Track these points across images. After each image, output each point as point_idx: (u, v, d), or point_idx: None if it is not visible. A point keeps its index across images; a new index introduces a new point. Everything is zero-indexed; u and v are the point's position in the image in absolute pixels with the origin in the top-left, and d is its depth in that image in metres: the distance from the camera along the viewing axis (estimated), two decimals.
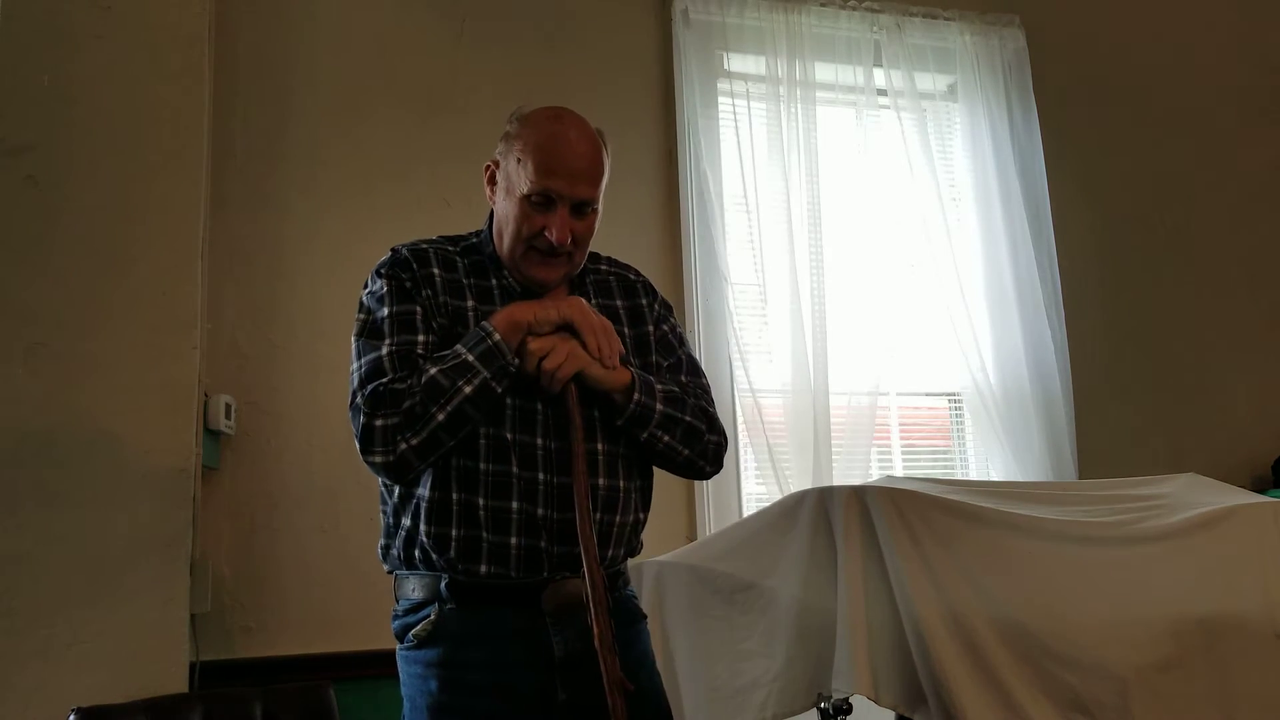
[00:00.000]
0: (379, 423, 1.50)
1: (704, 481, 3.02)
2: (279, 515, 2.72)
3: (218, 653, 2.56)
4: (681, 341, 1.79)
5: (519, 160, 1.61)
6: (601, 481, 1.58)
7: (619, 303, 1.74)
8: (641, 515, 1.69)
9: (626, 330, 1.70)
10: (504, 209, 1.65)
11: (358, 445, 1.53)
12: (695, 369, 1.77)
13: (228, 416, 2.66)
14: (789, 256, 3.21)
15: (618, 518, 1.61)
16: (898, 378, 3.35)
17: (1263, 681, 2.00)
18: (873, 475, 3.20)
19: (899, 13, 3.49)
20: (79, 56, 2.54)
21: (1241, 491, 2.40)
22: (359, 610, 2.70)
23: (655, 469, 1.72)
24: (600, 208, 1.66)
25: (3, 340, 2.37)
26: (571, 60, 3.23)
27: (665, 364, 1.72)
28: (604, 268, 1.79)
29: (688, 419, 1.65)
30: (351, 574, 2.72)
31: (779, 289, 3.19)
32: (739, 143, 3.27)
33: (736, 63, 3.36)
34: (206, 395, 2.58)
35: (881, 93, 3.46)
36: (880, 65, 3.46)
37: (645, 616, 1.72)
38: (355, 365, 1.58)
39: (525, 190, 1.59)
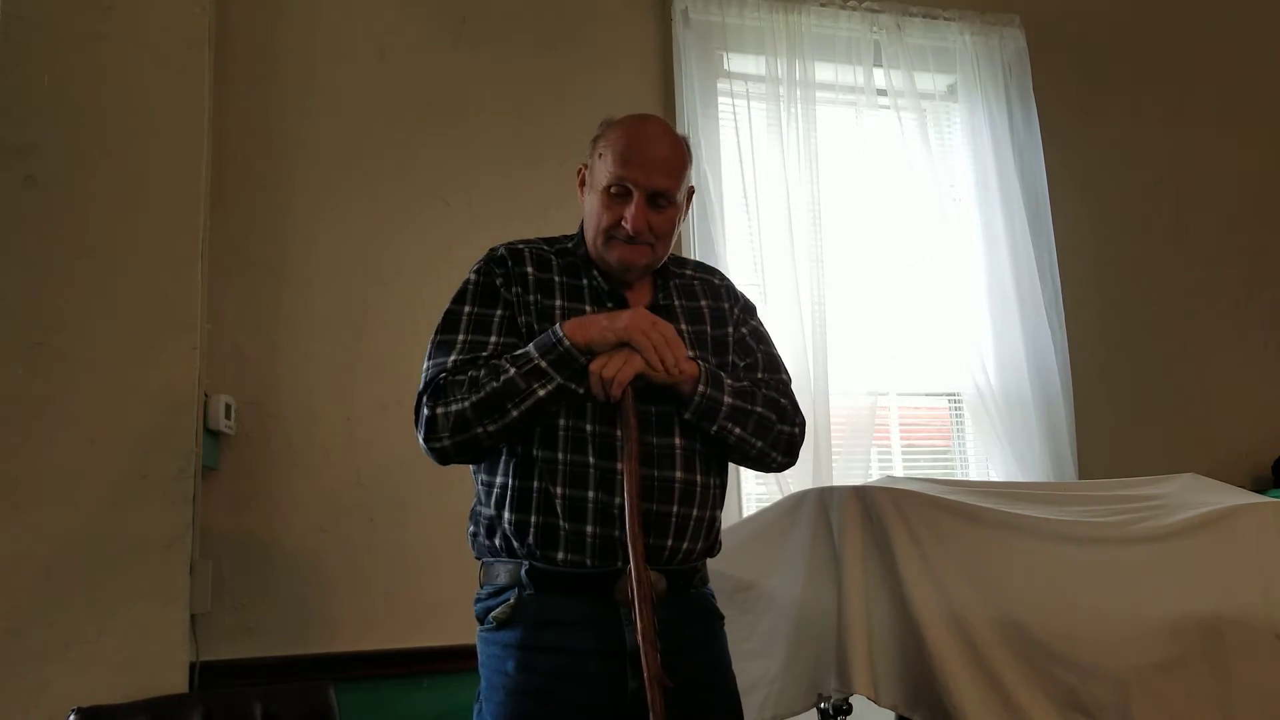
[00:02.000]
0: (441, 410, 1.57)
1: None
2: (279, 515, 2.72)
3: (218, 653, 2.56)
4: (762, 340, 1.83)
5: (601, 156, 1.69)
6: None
7: (703, 303, 1.80)
8: (716, 512, 1.72)
9: (709, 330, 1.76)
10: (589, 204, 1.72)
11: (420, 434, 1.60)
12: (774, 365, 1.81)
13: (228, 416, 2.66)
14: (789, 256, 3.21)
15: (694, 511, 1.64)
16: (898, 378, 3.35)
17: (1263, 681, 2.00)
18: (873, 475, 3.20)
19: (899, 13, 3.49)
20: (79, 56, 2.54)
21: (1241, 491, 2.41)
22: (359, 610, 2.70)
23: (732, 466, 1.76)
24: (682, 204, 1.72)
25: (3, 340, 2.37)
26: (571, 60, 3.23)
27: (743, 364, 1.77)
28: (689, 272, 1.85)
29: (758, 410, 1.68)
30: (351, 574, 2.72)
31: (779, 289, 3.19)
32: (739, 143, 3.27)
33: (736, 63, 3.36)
34: (206, 395, 2.58)
35: (881, 93, 3.46)
36: (880, 65, 3.46)
37: (722, 616, 1.75)
38: (426, 365, 1.66)
39: (605, 182, 1.67)
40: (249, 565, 2.68)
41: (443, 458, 1.61)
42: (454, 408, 1.56)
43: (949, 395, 3.47)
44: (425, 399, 1.60)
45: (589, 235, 1.72)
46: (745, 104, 3.31)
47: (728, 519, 2.94)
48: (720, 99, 3.31)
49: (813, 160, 3.31)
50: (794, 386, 3.10)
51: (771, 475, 3.05)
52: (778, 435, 1.71)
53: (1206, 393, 3.65)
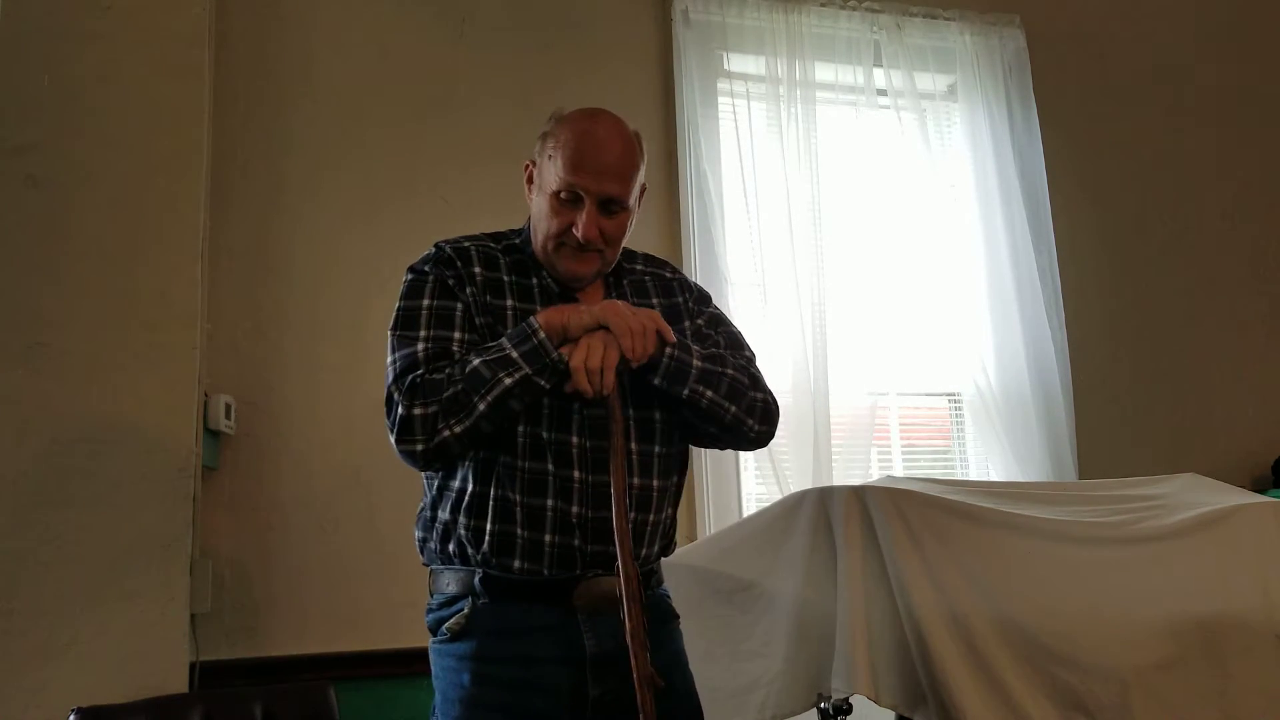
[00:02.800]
0: (418, 411, 1.50)
1: (703, 478, 3.01)
2: (279, 515, 2.72)
3: (218, 653, 2.56)
4: (719, 323, 1.79)
5: (550, 157, 1.62)
6: (635, 481, 1.59)
7: (655, 301, 1.75)
8: (673, 513, 1.70)
9: None
10: (537, 206, 1.67)
11: (393, 435, 1.53)
12: (736, 343, 1.76)
13: (228, 416, 2.66)
14: (789, 256, 3.21)
15: (651, 516, 1.62)
16: (898, 378, 3.35)
17: (1263, 681, 2.00)
18: (873, 475, 3.20)
19: (899, 13, 3.49)
20: (79, 56, 2.54)
21: (1241, 491, 2.40)
22: (359, 610, 2.70)
23: (692, 461, 1.72)
24: (634, 207, 1.67)
25: (3, 340, 2.37)
26: (571, 60, 3.23)
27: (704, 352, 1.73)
28: (639, 267, 1.80)
29: (730, 373, 1.64)
30: (352, 574, 2.72)
31: (779, 289, 3.19)
32: (739, 143, 3.27)
33: (736, 63, 3.36)
34: (206, 395, 2.58)
35: (881, 93, 3.46)
36: (880, 65, 3.46)
37: (678, 616, 1.73)
38: (390, 359, 1.59)
39: (554, 187, 1.61)
40: (249, 565, 2.68)
41: (415, 462, 1.54)
42: (431, 409, 1.50)
43: (949, 395, 3.47)
44: (399, 396, 1.52)
45: (537, 239, 1.66)
46: (745, 104, 3.31)
47: (728, 519, 2.96)
48: (720, 99, 3.31)
49: (813, 160, 3.31)
50: (794, 387, 3.14)
51: (771, 475, 3.05)
52: (752, 401, 1.65)
53: (1206, 393, 3.65)
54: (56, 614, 2.28)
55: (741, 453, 3.13)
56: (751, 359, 1.76)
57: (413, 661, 2.67)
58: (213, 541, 2.63)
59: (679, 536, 2.92)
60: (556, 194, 1.60)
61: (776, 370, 3.17)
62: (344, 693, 2.30)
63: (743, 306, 3.19)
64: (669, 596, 1.73)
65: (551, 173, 1.61)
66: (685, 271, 3.15)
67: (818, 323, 3.19)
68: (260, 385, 2.78)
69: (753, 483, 3.15)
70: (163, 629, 2.34)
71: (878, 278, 3.33)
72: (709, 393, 1.61)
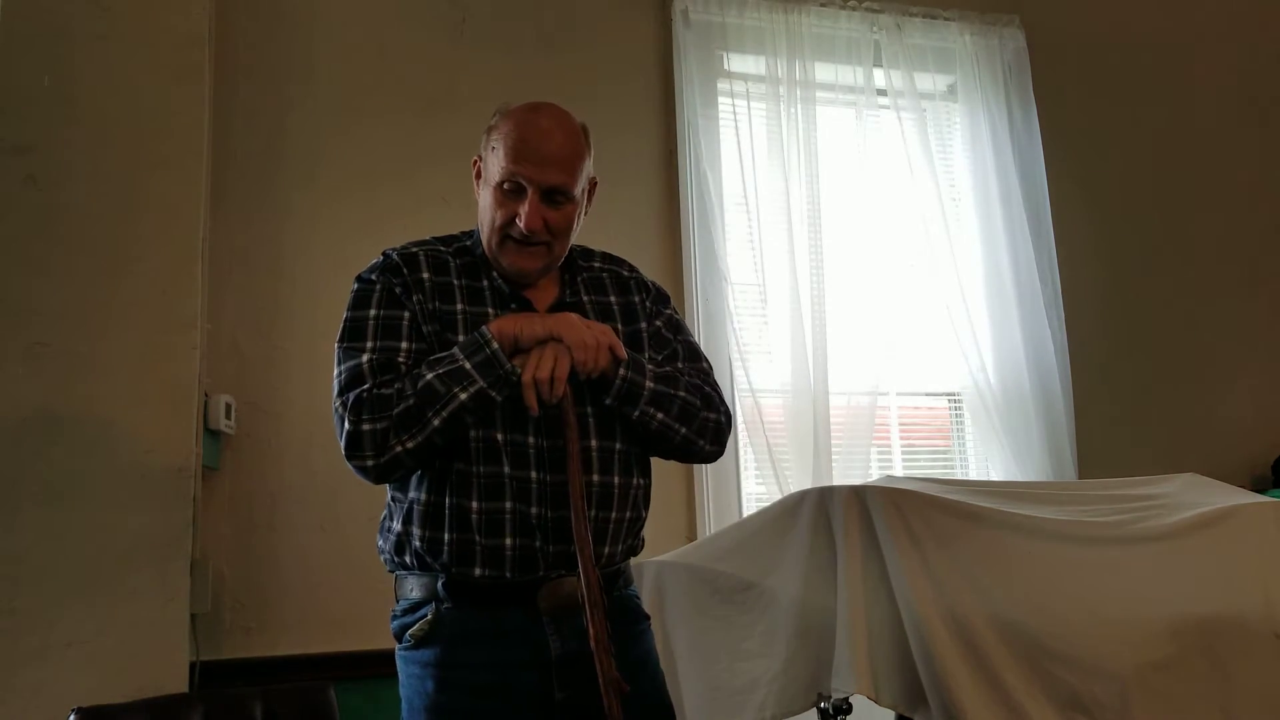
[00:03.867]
0: (365, 427, 1.50)
1: (702, 478, 3.01)
2: (279, 515, 2.73)
3: (218, 653, 2.56)
4: (679, 329, 1.77)
5: (494, 149, 1.60)
6: (595, 478, 1.57)
7: (612, 299, 1.72)
8: (640, 513, 1.67)
9: (620, 327, 1.69)
10: (483, 200, 1.64)
11: (343, 449, 1.52)
12: (694, 354, 1.75)
13: (228, 416, 2.66)
14: (789, 256, 3.21)
15: (613, 514, 1.60)
16: (898, 378, 3.35)
17: (1263, 681, 2.00)
18: (873, 475, 3.20)
19: (899, 13, 3.49)
20: (79, 56, 2.54)
21: (1241, 491, 2.40)
22: (359, 610, 2.70)
23: (656, 465, 1.71)
24: (581, 199, 1.64)
25: (3, 340, 2.37)
26: (571, 60, 3.23)
27: (660, 357, 1.71)
28: (597, 264, 1.77)
29: (681, 394, 1.63)
30: (351, 574, 2.72)
31: (779, 289, 3.19)
32: (739, 143, 3.27)
33: (736, 63, 3.36)
34: (206, 395, 2.58)
35: (881, 93, 3.46)
36: (880, 65, 3.46)
37: (648, 617, 1.71)
38: (336, 372, 1.58)
39: (497, 178, 1.58)
40: (249, 565, 2.68)
41: (367, 476, 1.53)
42: (380, 425, 1.48)
43: (949, 395, 3.47)
44: (347, 413, 1.50)
45: (484, 234, 1.64)
46: (745, 104, 3.31)
47: (728, 519, 2.96)
48: (720, 99, 3.31)
49: (813, 160, 3.32)
50: (794, 386, 3.14)
51: (771, 475, 3.06)
52: (703, 422, 1.64)
53: (1206, 393, 3.65)
54: (56, 614, 2.28)
55: (741, 453, 3.14)
56: (709, 372, 1.74)
57: None
58: (213, 541, 2.63)
59: (679, 536, 2.96)
60: (500, 185, 1.58)
61: (776, 370, 3.17)
62: (344, 693, 2.30)
63: (743, 306, 3.19)
64: (637, 597, 1.71)
65: (494, 164, 1.59)
66: (685, 272, 3.18)
67: (818, 323, 3.20)
68: (260, 385, 2.78)
69: (753, 483, 3.15)
70: (163, 629, 2.34)
71: (877, 277, 3.33)
72: (660, 415, 1.60)
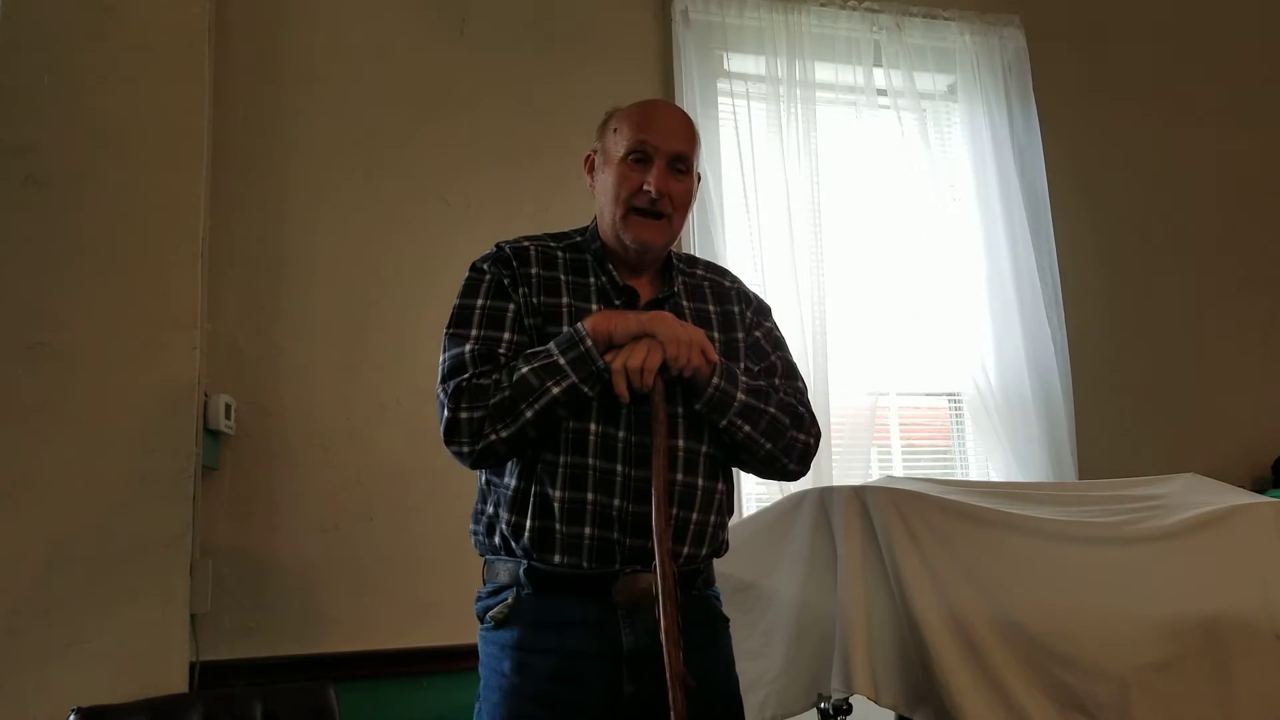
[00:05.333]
0: (464, 415, 1.55)
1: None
2: (279, 515, 2.72)
3: (218, 653, 2.56)
4: (778, 345, 1.80)
5: (615, 131, 1.70)
6: (679, 478, 1.61)
7: (711, 307, 1.76)
8: (723, 517, 1.70)
9: (717, 335, 1.72)
10: (604, 181, 1.71)
11: (442, 435, 1.58)
12: (791, 372, 1.78)
13: (228, 416, 2.65)
14: (789, 256, 3.21)
15: (694, 515, 1.63)
16: (898, 378, 3.35)
17: (1263, 681, 2.00)
18: (873, 475, 3.20)
19: (899, 13, 3.49)
20: (79, 56, 2.54)
21: (1241, 491, 2.40)
22: (359, 610, 2.70)
23: (740, 472, 1.74)
24: (696, 177, 1.73)
25: (3, 340, 2.37)
26: (571, 60, 3.23)
27: (757, 369, 1.74)
28: (699, 272, 1.82)
29: (771, 410, 1.66)
30: (351, 574, 2.72)
31: (779, 289, 3.19)
32: (739, 143, 3.27)
33: (736, 63, 3.36)
34: (206, 395, 2.58)
35: (881, 93, 3.46)
36: (880, 65, 3.46)
37: (727, 620, 1.73)
38: (441, 359, 1.64)
39: (623, 150, 1.66)
40: (249, 565, 2.68)
41: (464, 461, 1.59)
42: (477, 414, 1.54)
43: (949, 395, 3.47)
44: (447, 400, 1.57)
45: (607, 211, 1.69)
46: (745, 104, 3.31)
47: None
48: (720, 99, 3.31)
49: (813, 160, 3.31)
50: None
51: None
52: (790, 441, 1.68)
53: (1206, 393, 3.65)
54: (56, 614, 2.28)
55: None
56: (803, 391, 1.77)
57: (413, 661, 2.69)
58: (213, 541, 2.63)
59: None
60: (625, 157, 1.66)
61: None
62: (344, 693, 2.30)
63: None
64: (719, 598, 1.73)
65: (618, 142, 1.68)
66: None
67: (818, 323, 3.19)
68: (260, 385, 2.78)
69: (753, 483, 3.15)
70: (163, 629, 2.34)
71: (878, 277, 3.33)
72: (746, 427, 1.64)
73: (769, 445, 1.66)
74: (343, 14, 3.07)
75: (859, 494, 2.01)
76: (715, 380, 1.60)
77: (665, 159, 1.65)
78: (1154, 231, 3.73)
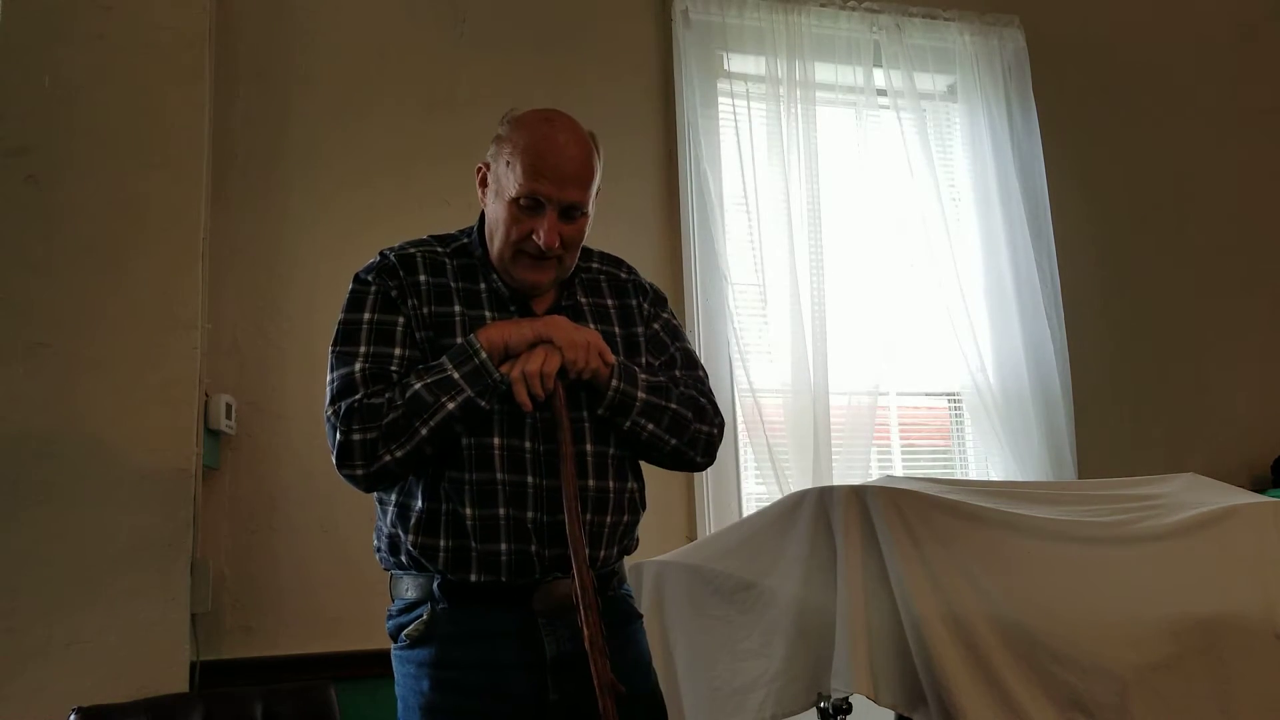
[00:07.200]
0: (356, 437, 1.50)
1: (702, 478, 3.01)
2: (279, 515, 2.73)
3: (218, 653, 2.56)
4: (676, 335, 1.77)
5: (508, 163, 1.59)
6: (590, 483, 1.58)
7: (609, 302, 1.72)
8: (635, 515, 1.67)
9: (617, 330, 1.69)
10: (494, 212, 1.63)
11: (334, 459, 1.52)
12: (691, 361, 1.75)
13: (228, 416, 2.66)
14: (789, 256, 3.21)
15: (608, 518, 1.60)
16: (898, 378, 3.35)
17: (1263, 681, 2.00)
18: (873, 475, 3.20)
19: (899, 13, 3.49)
20: (79, 56, 2.54)
21: (1241, 491, 2.40)
22: (359, 610, 2.70)
23: (649, 469, 1.71)
24: (592, 211, 1.64)
25: (3, 340, 2.37)
26: (571, 60, 3.23)
27: (658, 362, 1.71)
28: (594, 265, 1.76)
29: (673, 407, 1.63)
30: (351, 574, 2.72)
31: (779, 289, 3.19)
32: (739, 143, 3.27)
33: (736, 63, 3.36)
34: (206, 395, 2.59)
35: (881, 93, 3.46)
36: (880, 65, 3.46)
37: (640, 616, 1.71)
38: (329, 378, 1.57)
39: (514, 194, 1.57)
40: (249, 565, 2.68)
41: (357, 485, 1.53)
42: (370, 435, 1.48)
43: (949, 395, 3.47)
44: (339, 422, 1.51)
45: (495, 246, 1.62)
46: (745, 104, 3.31)
47: (728, 519, 2.96)
48: (720, 99, 3.31)
49: (813, 160, 3.32)
50: (794, 386, 3.14)
51: (771, 475, 3.06)
52: (694, 434, 1.65)
53: (1206, 393, 3.65)
54: (56, 614, 2.29)
55: (741, 453, 3.14)
56: (704, 380, 1.74)
57: None
58: (213, 541, 2.63)
59: (679, 536, 2.95)
60: (515, 201, 1.57)
61: (776, 370, 3.18)
62: (344, 693, 2.30)
63: (743, 306, 3.19)
64: (631, 596, 1.72)
65: (510, 180, 1.58)
66: (685, 272, 3.18)
67: (818, 323, 3.20)
68: (260, 385, 2.78)
69: (753, 483, 3.15)
70: (163, 629, 2.34)
71: (877, 277, 3.33)
72: (650, 426, 1.61)
73: (674, 441, 1.63)
74: (343, 14, 3.07)
75: (859, 494, 2.01)
76: (615, 383, 1.57)
77: (558, 209, 1.57)
78: (1154, 231, 3.73)
